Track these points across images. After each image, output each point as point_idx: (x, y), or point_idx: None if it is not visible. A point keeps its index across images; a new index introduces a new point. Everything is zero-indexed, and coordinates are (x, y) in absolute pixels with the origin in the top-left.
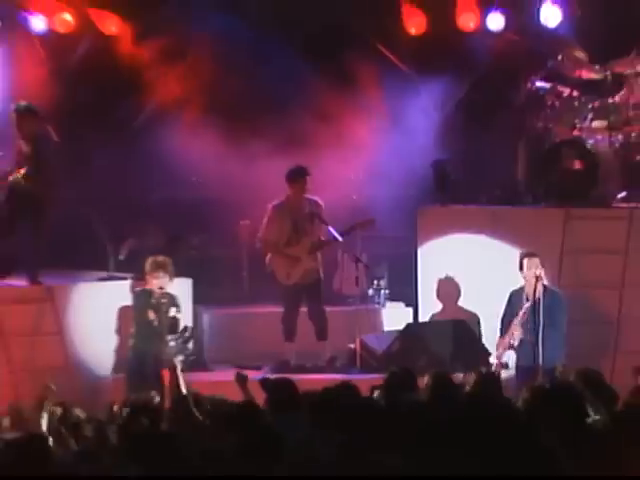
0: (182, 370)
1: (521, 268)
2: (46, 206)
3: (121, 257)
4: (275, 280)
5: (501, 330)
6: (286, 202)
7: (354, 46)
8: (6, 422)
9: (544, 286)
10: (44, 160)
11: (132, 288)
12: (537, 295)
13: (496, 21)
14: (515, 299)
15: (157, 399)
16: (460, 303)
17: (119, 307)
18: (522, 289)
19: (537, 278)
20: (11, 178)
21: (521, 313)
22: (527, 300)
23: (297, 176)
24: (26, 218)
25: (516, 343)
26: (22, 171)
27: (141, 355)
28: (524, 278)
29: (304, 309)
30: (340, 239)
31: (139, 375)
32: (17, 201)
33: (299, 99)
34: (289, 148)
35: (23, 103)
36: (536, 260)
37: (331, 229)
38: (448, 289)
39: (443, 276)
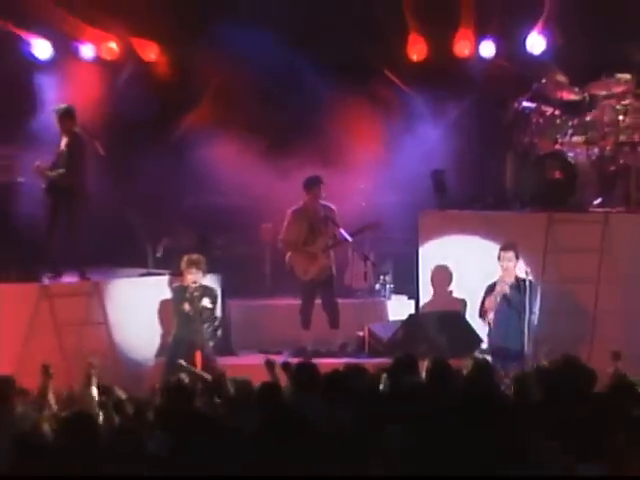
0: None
1: (499, 258)
2: (77, 201)
3: (158, 254)
4: (294, 276)
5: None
6: (303, 207)
7: (369, 73)
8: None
9: (518, 277)
10: (77, 158)
11: (170, 284)
12: (515, 284)
13: (488, 48)
14: (488, 289)
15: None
16: (451, 289)
17: (160, 301)
18: (496, 283)
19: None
20: (49, 173)
21: (493, 298)
22: (506, 286)
23: (312, 184)
24: (61, 212)
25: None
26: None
27: (179, 342)
28: (501, 267)
29: (319, 301)
30: (350, 240)
31: (176, 360)
32: (53, 195)
33: (318, 120)
34: (308, 162)
35: (63, 105)
36: (509, 254)
37: (342, 231)
38: (441, 276)
39: (437, 264)
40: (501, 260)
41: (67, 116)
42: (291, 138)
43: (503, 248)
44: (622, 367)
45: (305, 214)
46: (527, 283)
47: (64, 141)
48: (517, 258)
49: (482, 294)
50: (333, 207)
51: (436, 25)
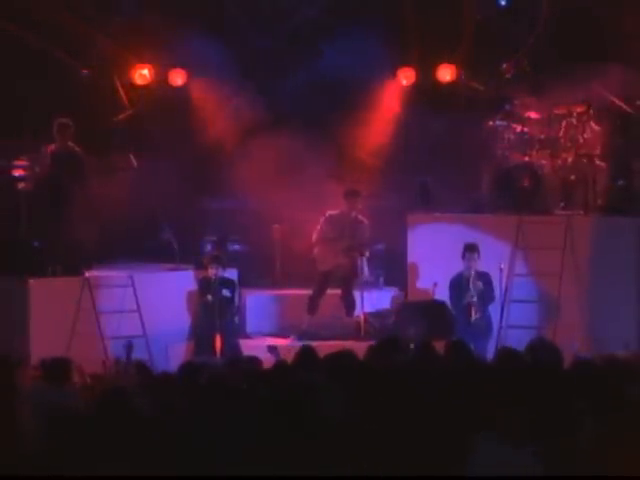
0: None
1: (463, 257)
2: (65, 203)
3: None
4: (314, 265)
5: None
6: (339, 213)
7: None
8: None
9: (478, 271)
10: (64, 166)
11: (195, 277)
12: (477, 277)
13: (467, 75)
14: (455, 283)
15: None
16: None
17: (188, 292)
18: (459, 275)
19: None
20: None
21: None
22: (467, 282)
23: (350, 195)
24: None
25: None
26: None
27: (203, 327)
28: (465, 264)
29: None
30: (366, 255)
31: (201, 342)
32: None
33: (323, 139)
34: (314, 174)
35: (64, 119)
36: (474, 254)
37: (362, 247)
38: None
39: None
40: (466, 259)
41: (63, 129)
42: (299, 152)
43: (468, 249)
44: (582, 348)
45: (338, 219)
46: (487, 275)
47: (60, 150)
48: (479, 257)
49: (448, 284)
50: (365, 221)
51: (423, 55)
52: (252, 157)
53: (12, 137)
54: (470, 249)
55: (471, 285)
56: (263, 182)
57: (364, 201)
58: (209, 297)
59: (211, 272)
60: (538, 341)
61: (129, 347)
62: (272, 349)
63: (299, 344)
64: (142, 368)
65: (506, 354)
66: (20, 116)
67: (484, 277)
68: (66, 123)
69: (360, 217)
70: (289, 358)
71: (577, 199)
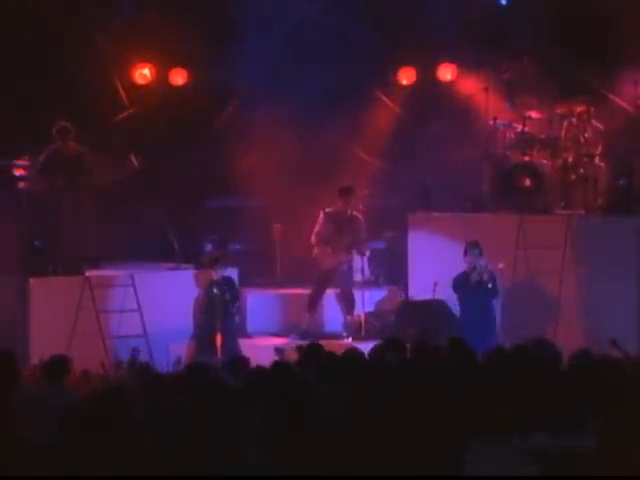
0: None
1: (465, 254)
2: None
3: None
4: (316, 264)
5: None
6: (334, 211)
7: (366, 97)
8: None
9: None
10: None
11: (195, 276)
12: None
13: (467, 74)
14: (462, 281)
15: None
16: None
17: (188, 291)
18: (463, 273)
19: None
20: None
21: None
22: (473, 280)
23: (345, 192)
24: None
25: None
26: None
27: (204, 327)
28: (467, 262)
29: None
30: (366, 254)
31: (203, 341)
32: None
33: (323, 138)
34: (313, 173)
35: (64, 123)
36: (476, 250)
37: (362, 245)
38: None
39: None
40: (468, 256)
41: (63, 132)
42: (300, 152)
43: (470, 246)
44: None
45: (334, 217)
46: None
47: (63, 150)
48: (481, 254)
49: (452, 284)
50: (360, 217)
51: (423, 55)
52: (253, 157)
53: (13, 137)
54: (472, 245)
55: (498, 288)
56: (264, 183)
57: (365, 200)
58: (210, 296)
59: (215, 275)
60: (538, 341)
61: (133, 355)
62: (279, 351)
63: (300, 343)
64: (144, 371)
65: (505, 354)
66: (21, 116)
67: (493, 275)
68: (66, 127)
69: (355, 214)
70: (292, 358)
71: (578, 199)
